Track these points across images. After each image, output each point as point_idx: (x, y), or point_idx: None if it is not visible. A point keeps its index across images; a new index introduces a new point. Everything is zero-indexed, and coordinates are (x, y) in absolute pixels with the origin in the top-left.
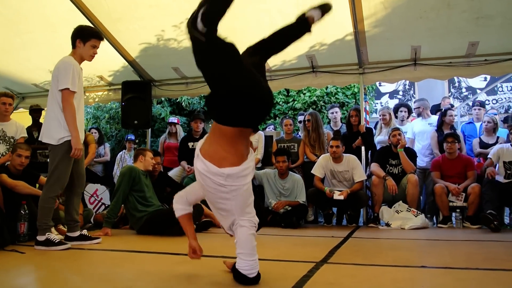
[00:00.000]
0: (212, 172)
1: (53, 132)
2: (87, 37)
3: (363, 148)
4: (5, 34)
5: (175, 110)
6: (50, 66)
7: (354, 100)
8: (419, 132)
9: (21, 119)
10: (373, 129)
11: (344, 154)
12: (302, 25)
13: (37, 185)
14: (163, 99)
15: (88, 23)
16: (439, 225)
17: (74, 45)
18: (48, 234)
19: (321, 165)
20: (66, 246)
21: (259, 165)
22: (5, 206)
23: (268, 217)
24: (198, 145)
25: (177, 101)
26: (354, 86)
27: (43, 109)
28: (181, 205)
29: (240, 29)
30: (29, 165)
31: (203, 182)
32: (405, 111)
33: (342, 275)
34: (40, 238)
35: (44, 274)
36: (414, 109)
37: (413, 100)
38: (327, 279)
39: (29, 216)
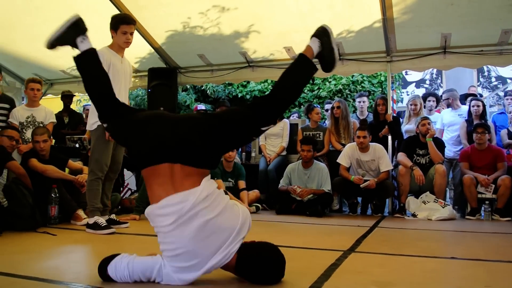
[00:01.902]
0: None
1: (89, 119)
2: (116, 25)
3: (389, 137)
4: (34, 21)
5: (200, 98)
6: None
7: (381, 89)
8: (448, 123)
9: (49, 105)
10: (400, 118)
11: (370, 144)
12: (302, 64)
13: (67, 170)
14: (188, 86)
15: (115, 11)
16: (467, 216)
17: (112, 36)
18: (96, 218)
19: (347, 154)
20: (111, 230)
21: (284, 153)
22: (36, 190)
23: (293, 205)
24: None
25: (202, 88)
26: (381, 74)
27: (74, 95)
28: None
29: (266, 17)
30: (57, 150)
31: None
32: (433, 101)
33: (371, 264)
34: (90, 221)
35: (75, 256)
36: (443, 100)
37: (441, 89)
38: (356, 267)
39: (59, 199)
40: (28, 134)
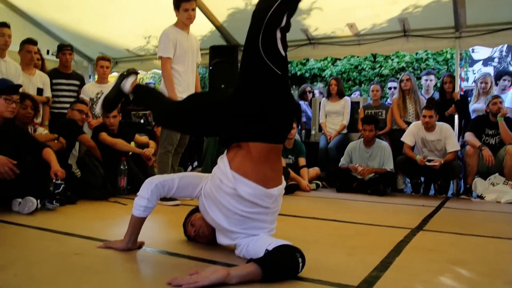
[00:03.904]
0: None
1: None
2: (178, 3)
3: (456, 116)
4: (101, 1)
5: None
6: (142, 32)
7: (446, 67)
8: None
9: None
10: (468, 97)
11: (437, 123)
12: None
13: (133, 143)
14: None
15: None
16: None
17: (176, 15)
18: None
19: (412, 133)
20: (177, 202)
21: (345, 131)
22: (105, 162)
23: (354, 184)
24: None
25: None
26: (447, 52)
27: (139, 73)
28: (153, 199)
29: None
30: (125, 124)
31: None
32: (508, 80)
33: (442, 243)
34: None
35: (146, 224)
36: None
37: (510, 68)
38: (426, 245)
39: (127, 171)
40: (98, 109)
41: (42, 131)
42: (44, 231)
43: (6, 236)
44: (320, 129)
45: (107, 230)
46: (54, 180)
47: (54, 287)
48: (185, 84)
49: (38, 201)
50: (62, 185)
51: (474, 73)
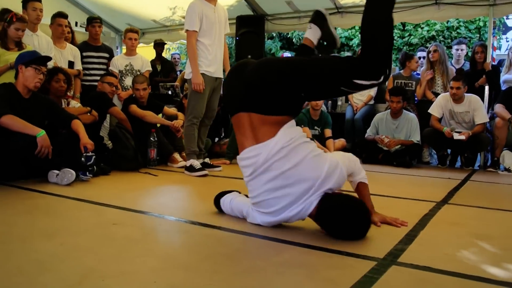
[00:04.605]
0: None
1: (186, 68)
2: None
3: (486, 87)
4: None
5: (284, 45)
6: (168, 2)
7: (478, 35)
8: None
9: (141, 53)
10: (500, 68)
11: (465, 94)
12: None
13: (161, 115)
14: (274, 34)
15: None
16: None
17: None
18: (192, 160)
19: (440, 105)
20: (204, 172)
21: (372, 102)
22: (136, 134)
23: (380, 155)
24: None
25: (288, 36)
26: (479, 19)
27: (166, 43)
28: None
29: None
30: (154, 96)
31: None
32: None
33: (466, 217)
34: (187, 163)
35: (178, 194)
36: None
37: None
38: (452, 219)
39: (157, 143)
40: (127, 81)
41: (75, 104)
42: (82, 202)
43: (48, 206)
44: (347, 99)
45: (140, 201)
46: (84, 153)
47: (98, 255)
48: (212, 57)
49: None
50: (93, 157)
51: (508, 41)
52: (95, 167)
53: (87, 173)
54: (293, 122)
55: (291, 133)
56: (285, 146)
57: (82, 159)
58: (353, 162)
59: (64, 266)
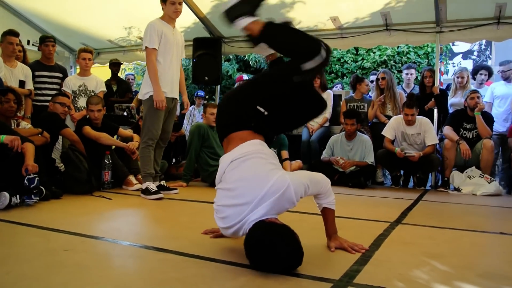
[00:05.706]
0: None
1: (142, 89)
2: None
3: (435, 110)
4: None
5: (241, 67)
6: (124, 22)
7: (427, 60)
8: (501, 95)
9: (96, 73)
10: (447, 91)
11: (416, 117)
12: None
13: (116, 137)
14: (230, 56)
15: None
16: None
17: (162, 8)
18: (148, 183)
19: (392, 127)
20: (159, 195)
21: (327, 124)
22: (89, 156)
23: (335, 176)
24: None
25: (245, 58)
26: (427, 45)
27: (122, 63)
28: None
29: None
30: (109, 117)
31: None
32: (485, 74)
33: (419, 236)
34: (143, 186)
35: (133, 218)
36: (501, 71)
37: (489, 61)
38: (404, 238)
39: (112, 165)
40: (81, 102)
41: (26, 125)
42: (31, 227)
43: None
44: None
45: (93, 226)
46: (25, 175)
47: (47, 284)
48: (168, 77)
49: (18, 196)
50: (36, 178)
51: (454, 66)
52: (44, 190)
53: (33, 196)
54: (259, 141)
55: (249, 148)
56: (236, 158)
57: (25, 181)
58: (321, 184)
59: None
